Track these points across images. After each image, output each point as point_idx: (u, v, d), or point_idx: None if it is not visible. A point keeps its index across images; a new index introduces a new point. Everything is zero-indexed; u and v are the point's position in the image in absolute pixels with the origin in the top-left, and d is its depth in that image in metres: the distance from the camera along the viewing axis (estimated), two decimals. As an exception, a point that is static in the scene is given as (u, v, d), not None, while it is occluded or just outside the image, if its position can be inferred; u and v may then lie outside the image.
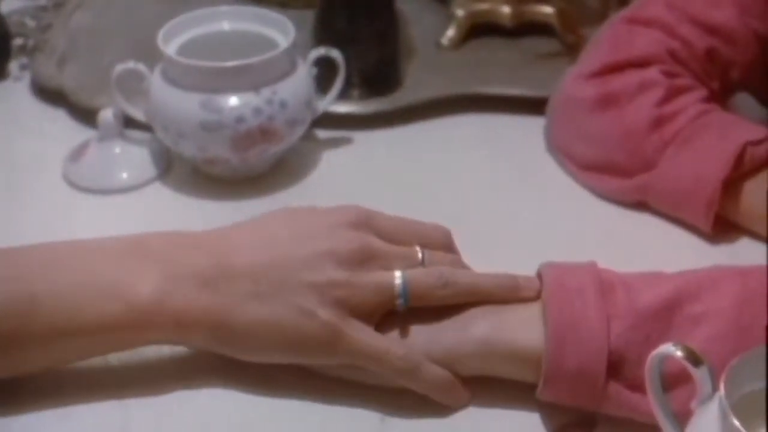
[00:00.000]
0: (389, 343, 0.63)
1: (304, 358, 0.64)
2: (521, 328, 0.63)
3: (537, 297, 0.64)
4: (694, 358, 0.53)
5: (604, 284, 0.63)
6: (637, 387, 0.59)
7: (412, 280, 0.64)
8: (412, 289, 0.63)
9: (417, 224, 0.68)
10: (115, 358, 0.66)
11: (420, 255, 0.66)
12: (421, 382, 0.63)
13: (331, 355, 0.63)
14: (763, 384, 0.52)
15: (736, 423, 0.49)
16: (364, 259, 0.64)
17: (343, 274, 0.63)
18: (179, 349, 0.67)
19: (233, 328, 0.62)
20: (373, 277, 0.63)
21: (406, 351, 0.63)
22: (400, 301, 0.63)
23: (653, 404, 0.56)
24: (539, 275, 0.66)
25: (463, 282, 0.64)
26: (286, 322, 0.62)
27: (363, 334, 0.63)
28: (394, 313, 0.64)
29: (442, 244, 0.69)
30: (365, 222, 0.66)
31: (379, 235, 0.66)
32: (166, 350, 0.67)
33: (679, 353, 0.53)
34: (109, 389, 0.65)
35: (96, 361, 0.65)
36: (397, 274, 0.64)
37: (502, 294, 0.65)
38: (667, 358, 0.55)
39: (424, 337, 0.64)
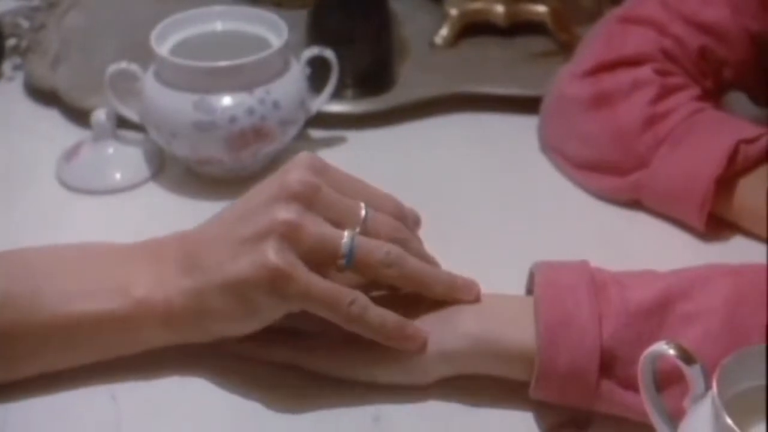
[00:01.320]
0: (339, 289, 0.62)
1: (262, 311, 0.63)
2: (513, 327, 0.63)
3: (475, 300, 0.65)
4: (687, 357, 0.53)
5: (596, 283, 0.63)
6: (630, 385, 0.59)
7: (360, 246, 0.63)
8: (358, 255, 0.62)
9: (369, 186, 0.67)
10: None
11: (363, 212, 0.64)
12: (372, 327, 0.63)
13: (283, 299, 0.62)
14: (756, 382, 0.52)
15: (729, 421, 0.49)
16: (310, 198, 0.63)
17: (293, 213, 0.62)
18: None
19: (208, 304, 0.63)
20: (322, 227, 0.62)
21: (356, 296, 0.62)
22: (342, 261, 0.62)
23: (646, 403, 0.56)
24: (532, 274, 0.66)
25: (408, 267, 0.64)
26: (247, 277, 0.61)
27: (314, 278, 0.62)
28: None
29: (390, 211, 0.67)
30: (319, 168, 0.65)
31: (330, 185, 0.65)
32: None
33: (671, 352, 0.53)
34: (99, 377, 0.66)
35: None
36: (346, 233, 0.63)
37: (440, 290, 0.65)
38: (660, 356, 0.55)
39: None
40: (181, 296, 0.63)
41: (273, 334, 0.65)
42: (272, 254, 0.61)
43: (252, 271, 0.61)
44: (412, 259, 0.64)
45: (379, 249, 0.63)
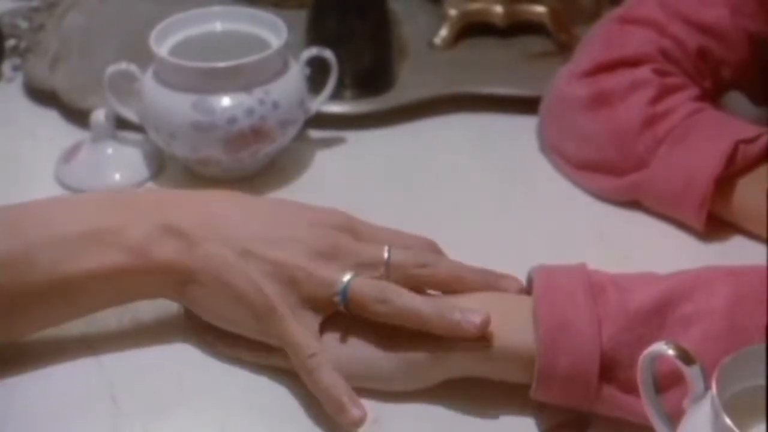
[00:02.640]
0: (309, 340, 0.63)
1: (247, 328, 0.65)
2: (513, 330, 0.63)
3: (478, 335, 0.62)
4: (686, 357, 0.53)
5: (595, 286, 0.63)
6: (631, 388, 0.59)
7: (355, 284, 0.64)
8: (352, 294, 0.64)
9: (399, 235, 0.69)
10: (104, 344, 0.68)
11: (386, 255, 0.65)
12: (318, 384, 0.63)
13: (265, 333, 0.65)
14: (755, 382, 0.52)
15: (728, 422, 0.49)
16: (330, 254, 0.65)
17: (302, 261, 0.64)
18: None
19: (201, 286, 0.65)
20: (325, 272, 0.64)
21: (317, 353, 0.63)
22: (337, 299, 0.64)
23: (646, 404, 0.56)
24: (530, 278, 0.66)
25: (399, 303, 0.63)
26: (240, 292, 0.64)
27: (292, 324, 0.63)
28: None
29: (421, 247, 0.68)
30: (346, 227, 0.67)
31: (357, 239, 0.67)
32: (156, 336, 0.69)
33: (671, 352, 0.53)
34: (84, 348, 0.67)
35: (84, 349, 0.68)
36: (348, 276, 0.64)
37: (441, 327, 0.63)
38: (659, 357, 0.55)
39: (416, 336, 0.64)
40: (178, 259, 0.65)
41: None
42: (270, 290, 0.63)
43: (247, 286, 0.64)
44: (408, 297, 0.63)
45: (373, 286, 0.64)
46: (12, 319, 0.65)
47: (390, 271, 0.65)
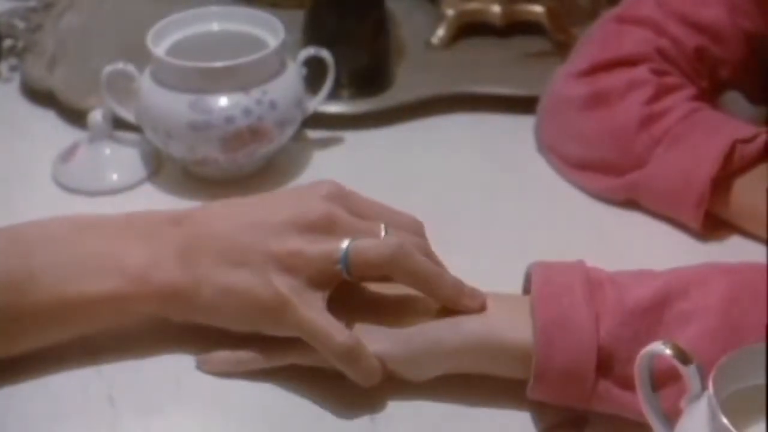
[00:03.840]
0: (332, 325, 0.63)
1: (257, 326, 0.65)
2: (511, 326, 0.63)
3: (480, 309, 0.64)
4: (683, 356, 0.53)
5: (593, 282, 0.63)
6: (627, 385, 0.59)
7: (354, 248, 0.63)
8: (352, 257, 0.63)
9: (389, 208, 0.69)
10: (102, 350, 0.68)
11: (383, 232, 0.65)
12: (356, 371, 0.63)
13: (279, 325, 0.64)
14: (752, 382, 0.52)
15: (725, 421, 0.49)
16: (326, 228, 0.64)
17: (300, 242, 0.63)
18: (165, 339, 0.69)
19: (204, 297, 0.64)
20: (321, 245, 0.64)
21: (346, 338, 0.63)
22: (338, 267, 0.63)
23: (643, 402, 0.56)
24: (528, 274, 0.66)
25: (411, 261, 0.63)
26: (245, 289, 0.63)
27: (311, 312, 0.63)
28: (384, 306, 0.65)
29: (413, 231, 0.68)
30: (338, 195, 0.66)
31: (349, 211, 0.66)
32: (153, 340, 0.69)
33: (668, 351, 0.53)
34: (85, 356, 0.67)
35: (83, 357, 0.67)
36: (345, 242, 0.63)
37: (447, 294, 0.64)
38: (656, 356, 0.55)
39: (413, 332, 0.64)
40: (178, 282, 0.64)
41: (268, 342, 0.65)
42: (276, 282, 0.63)
43: (253, 286, 0.63)
44: (417, 256, 0.64)
45: (374, 247, 0.63)
46: (7, 339, 0.64)
47: None
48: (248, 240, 0.64)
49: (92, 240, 0.66)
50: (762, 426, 0.51)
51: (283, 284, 0.63)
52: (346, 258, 0.63)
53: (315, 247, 0.63)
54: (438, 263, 0.68)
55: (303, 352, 0.65)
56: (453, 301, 0.64)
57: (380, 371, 0.64)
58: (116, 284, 0.64)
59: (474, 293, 0.65)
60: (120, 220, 0.68)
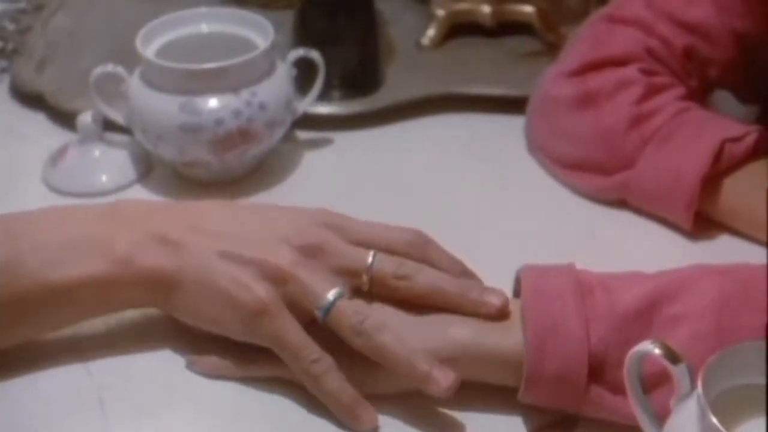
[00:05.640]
0: (308, 343, 0.63)
1: (233, 331, 0.65)
2: (502, 333, 0.63)
3: (443, 392, 0.61)
4: (672, 356, 0.53)
5: (583, 287, 0.63)
6: (619, 389, 0.59)
7: (338, 307, 0.62)
8: (332, 314, 0.63)
9: (386, 230, 0.68)
10: (91, 351, 0.68)
11: (370, 259, 0.65)
12: (324, 392, 0.63)
13: (255, 333, 0.64)
14: (740, 381, 0.53)
15: (714, 421, 0.49)
16: (313, 252, 0.64)
17: (290, 264, 0.63)
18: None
19: (185, 290, 0.64)
20: (313, 281, 0.63)
21: (320, 357, 0.63)
22: (318, 314, 0.63)
23: (632, 403, 0.56)
24: (518, 277, 0.66)
25: (376, 340, 0.62)
26: (223, 291, 0.63)
27: (288, 324, 0.63)
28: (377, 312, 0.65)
29: (410, 246, 0.67)
30: (333, 224, 0.67)
31: (343, 237, 0.66)
32: (145, 343, 0.69)
33: (657, 351, 0.53)
34: (74, 356, 0.67)
35: (72, 357, 0.67)
36: (333, 292, 0.63)
37: (410, 376, 0.62)
38: (645, 356, 0.55)
39: (404, 339, 0.64)
40: (163, 267, 0.64)
41: (257, 351, 0.65)
42: (259, 288, 0.63)
43: (235, 286, 0.63)
44: (387, 335, 0.62)
45: (356, 314, 0.63)
46: None
47: (372, 277, 0.65)
48: (236, 246, 0.64)
49: (78, 224, 0.66)
50: (751, 424, 0.51)
51: (264, 291, 0.63)
52: (328, 311, 0.63)
53: (304, 278, 0.63)
54: (454, 261, 0.68)
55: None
56: (417, 383, 0.62)
57: (348, 393, 0.63)
58: (100, 267, 0.64)
59: (441, 378, 0.61)
60: (107, 205, 0.68)
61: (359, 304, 0.64)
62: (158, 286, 0.65)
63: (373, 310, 0.64)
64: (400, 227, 0.68)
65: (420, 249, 0.67)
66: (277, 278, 0.63)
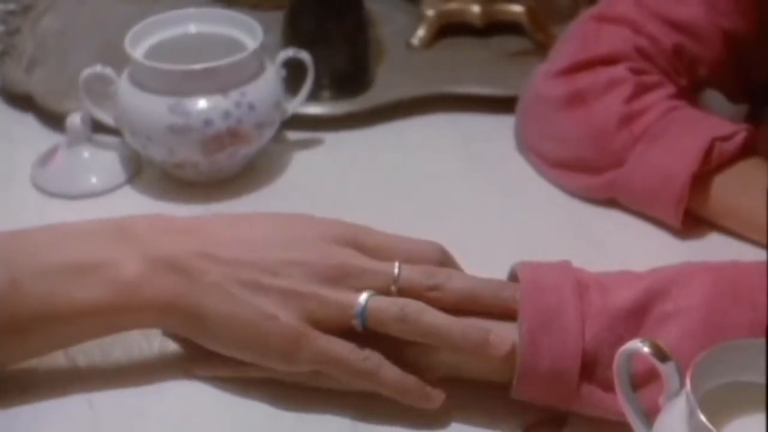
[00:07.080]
0: (352, 346, 0.62)
1: (266, 361, 0.63)
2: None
3: (503, 353, 0.61)
4: (661, 354, 0.53)
5: (581, 284, 0.63)
6: (610, 387, 0.59)
7: (374, 306, 0.62)
8: (370, 315, 0.62)
9: (405, 241, 0.67)
10: (81, 354, 0.67)
11: (396, 271, 0.63)
12: (387, 385, 0.62)
13: (292, 361, 0.62)
14: (729, 379, 0.53)
15: (703, 418, 0.49)
16: (338, 277, 0.63)
17: (312, 287, 0.62)
18: (147, 346, 0.68)
19: (203, 318, 0.63)
20: (339, 295, 0.62)
21: (369, 354, 0.62)
22: (356, 321, 0.62)
23: (621, 401, 0.56)
24: (513, 273, 0.65)
25: (424, 322, 0.61)
26: (249, 322, 0.62)
27: (326, 340, 0.62)
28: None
29: (430, 257, 0.66)
30: (351, 239, 0.65)
31: (363, 252, 0.65)
32: (134, 346, 0.68)
33: (646, 349, 0.53)
34: (75, 386, 0.66)
35: (61, 359, 0.66)
36: (363, 296, 0.62)
37: (467, 347, 0.61)
38: (634, 354, 0.55)
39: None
40: (177, 293, 0.62)
41: None
42: (287, 315, 0.61)
43: (256, 317, 0.62)
44: (430, 315, 0.62)
45: (392, 305, 0.62)
46: None
47: (400, 288, 0.63)
48: (255, 273, 0.62)
49: (81, 247, 0.63)
50: (740, 422, 0.51)
51: (291, 319, 0.61)
52: (364, 315, 0.62)
53: (331, 297, 0.62)
54: (445, 282, 0.65)
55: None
56: (476, 352, 0.62)
57: (410, 378, 0.62)
58: (106, 295, 0.62)
59: (499, 341, 0.61)
60: (113, 224, 0.65)
61: (391, 297, 0.63)
62: (173, 315, 0.63)
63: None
64: (417, 239, 0.67)
65: (439, 264, 0.66)
66: (302, 306, 0.62)
